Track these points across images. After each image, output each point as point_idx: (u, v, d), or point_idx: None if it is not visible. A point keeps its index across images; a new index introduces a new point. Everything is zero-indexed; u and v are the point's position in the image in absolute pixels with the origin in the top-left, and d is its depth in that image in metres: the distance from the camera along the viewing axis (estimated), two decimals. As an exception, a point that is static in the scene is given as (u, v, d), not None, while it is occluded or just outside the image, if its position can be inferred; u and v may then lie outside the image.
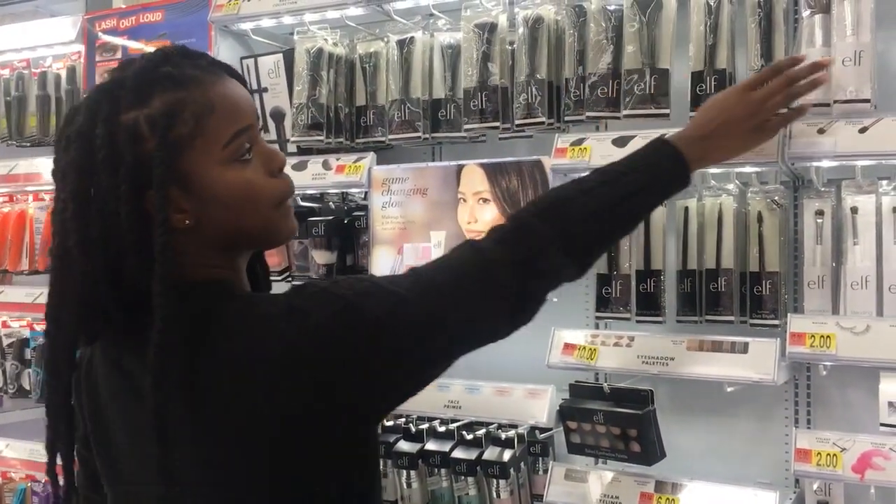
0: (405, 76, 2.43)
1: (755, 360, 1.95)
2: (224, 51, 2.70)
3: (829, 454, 1.88)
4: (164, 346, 1.08)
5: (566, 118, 2.21)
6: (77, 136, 1.13)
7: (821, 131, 1.87)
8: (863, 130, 1.84)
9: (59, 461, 1.23)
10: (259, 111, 1.27)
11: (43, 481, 3.05)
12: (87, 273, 1.12)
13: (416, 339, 1.15)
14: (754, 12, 2.04)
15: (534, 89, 2.22)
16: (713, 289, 2.10)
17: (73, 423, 1.23)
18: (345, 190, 2.59)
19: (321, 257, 2.56)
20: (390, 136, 2.45)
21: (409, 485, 2.37)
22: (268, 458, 1.10)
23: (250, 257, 1.31)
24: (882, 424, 1.92)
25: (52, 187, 3.19)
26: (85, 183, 1.12)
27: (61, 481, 1.27)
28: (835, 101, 1.88)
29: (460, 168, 2.31)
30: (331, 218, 2.57)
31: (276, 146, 1.26)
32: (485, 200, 2.27)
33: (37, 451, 2.98)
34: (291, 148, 2.56)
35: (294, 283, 1.19)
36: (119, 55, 2.95)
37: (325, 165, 2.45)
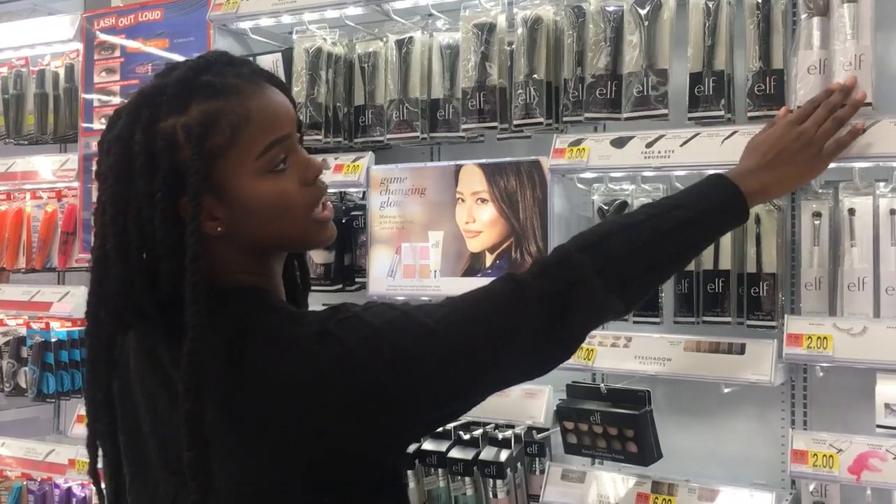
0: (404, 76, 2.44)
1: (752, 361, 1.95)
2: (223, 50, 2.70)
3: (825, 455, 1.89)
4: (195, 354, 1.09)
5: (564, 119, 2.21)
6: (116, 141, 1.14)
7: (819, 133, 1.87)
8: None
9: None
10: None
11: (38, 480, 3.04)
12: (124, 275, 1.14)
13: (443, 371, 1.13)
14: (753, 14, 2.05)
15: (532, 90, 2.22)
16: (711, 290, 2.10)
17: (114, 421, 1.23)
18: (343, 189, 2.59)
19: (319, 257, 2.56)
20: (388, 136, 2.45)
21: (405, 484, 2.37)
22: (298, 473, 1.11)
23: (289, 259, 1.33)
24: (878, 426, 1.92)
25: (49, 185, 3.19)
26: (123, 188, 1.13)
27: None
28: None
29: (459, 168, 2.31)
30: (329, 217, 2.57)
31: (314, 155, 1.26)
32: (483, 200, 2.27)
33: (33, 449, 2.97)
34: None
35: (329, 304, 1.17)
36: (117, 53, 2.95)
37: (324, 165, 2.45)
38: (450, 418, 1.20)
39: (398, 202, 2.39)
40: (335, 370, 1.08)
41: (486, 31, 2.29)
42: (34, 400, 3.11)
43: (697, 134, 2.01)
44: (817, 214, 2.03)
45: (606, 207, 2.21)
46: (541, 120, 2.22)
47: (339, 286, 2.57)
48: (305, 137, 2.47)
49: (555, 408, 2.19)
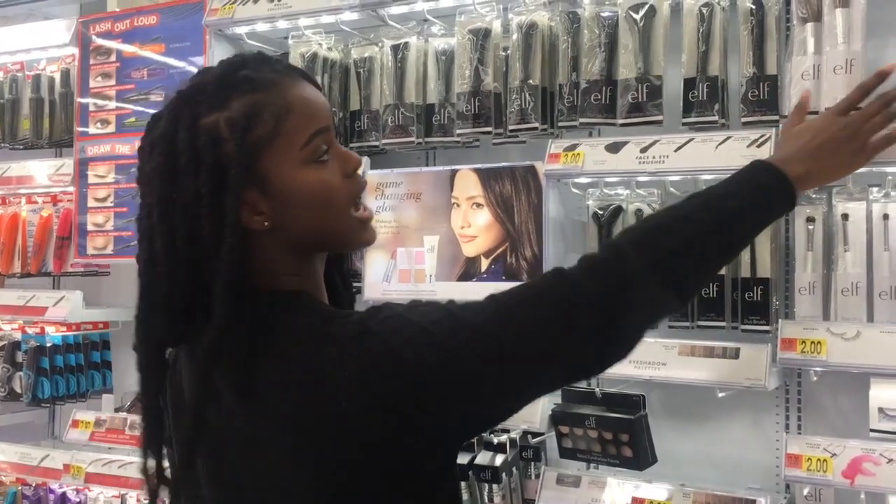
0: (399, 81, 2.44)
1: (746, 366, 1.96)
2: (218, 55, 2.70)
3: (819, 459, 1.89)
4: (215, 348, 1.09)
5: (559, 124, 2.22)
6: (161, 141, 1.13)
7: (812, 138, 1.88)
8: (854, 138, 1.85)
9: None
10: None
11: (33, 485, 3.04)
12: (173, 277, 1.12)
13: (490, 372, 1.09)
14: (747, 20, 2.06)
15: (527, 95, 2.23)
16: (705, 294, 2.10)
17: (163, 430, 1.21)
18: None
19: (314, 261, 2.56)
20: (384, 141, 2.46)
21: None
22: (327, 478, 1.08)
23: (331, 266, 1.31)
24: (872, 430, 1.93)
25: (44, 190, 3.18)
26: (169, 188, 1.12)
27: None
28: (826, 109, 1.89)
29: (454, 173, 2.32)
30: (324, 222, 2.58)
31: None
32: (478, 205, 2.28)
33: (27, 454, 2.97)
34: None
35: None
36: (113, 58, 2.95)
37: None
38: (499, 419, 1.15)
39: (394, 207, 2.39)
40: (376, 370, 1.05)
41: (482, 36, 2.30)
42: (29, 405, 3.11)
43: (692, 139, 2.02)
44: (811, 219, 2.04)
45: (601, 212, 2.22)
46: (536, 125, 2.23)
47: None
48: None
49: (550, 412, 2.19)
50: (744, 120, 2.04)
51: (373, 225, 1.25)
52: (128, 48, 2.92)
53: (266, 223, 1.14)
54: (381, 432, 1.05)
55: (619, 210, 2.20)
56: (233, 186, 1.09)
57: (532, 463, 2.33)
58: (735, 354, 1.98)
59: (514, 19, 2.28)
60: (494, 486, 2.26)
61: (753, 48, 2.05)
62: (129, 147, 2.89)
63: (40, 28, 3.21)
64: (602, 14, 2.17)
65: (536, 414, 2.17)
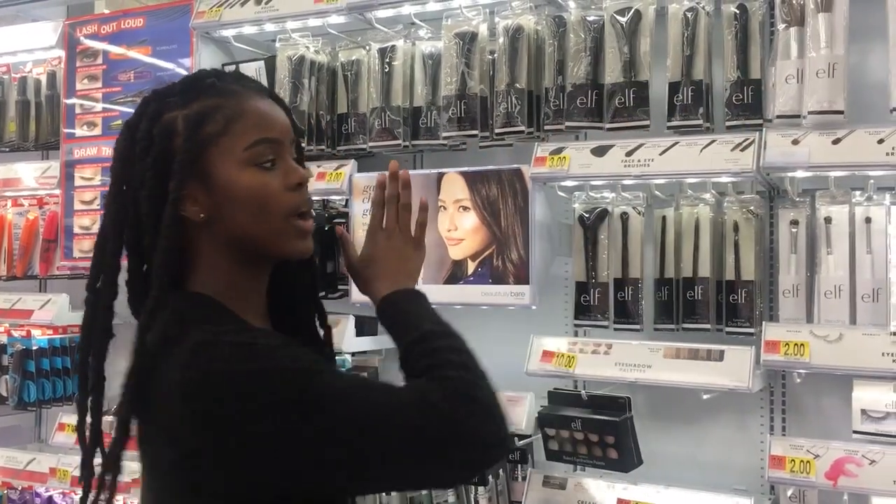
0: (386, 84, 2.45)
1: (731, 368, 1.97)
2: (206, 57, 2.70)
3: (802, 461, 1.91)
4: (150, 321, 1.17)
5: (546, 127, 2.23)
6: (125, 128, 1.26)
7: (795, 142, 1.90)
8: (836, 142, 1.87)
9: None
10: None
11: (19, 489, 3.02)
12: (118, 251, 1.23)
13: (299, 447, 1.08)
14: (731, 24, 2.08)
15: (514, 98, 2.24)
16: (690, 297, 2.12)
17: (101, 397, 1.27)
18: (326, 197, 2.60)
19: (301, 264, 2.56)
20: (370, 144, 2.46)
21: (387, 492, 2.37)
22: (176, 481, 1.15)
23: (291, 278, 1.36)
24: (855, 432, 1.95)
25: (30, 193, 3.17)
26: (124, 170, 1.24)
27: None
28: (808, 113, 1.91)
29: (441, 176, 2.32)
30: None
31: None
32: (465, 208, 2.28)
33: (14, 458, 2.96)
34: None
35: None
36: (100, 60, 2.94)
37: (309, 174, 2.45)
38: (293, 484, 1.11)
39: (380, 210, 2.39)
40: (195, 382, 1.09)
41: (468, 39, 2.30)
42: (15, 408, 3.09)
43: (676, 143, 2.03)
44: (795, 222, 2.05)
45: (587, 215, 2.23)
46: (522, 128, 2.24)
47: (322, 294, 2.56)
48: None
49: (536, 414, 2.20)
50: (728, 124, 2.06)
51: (310, 242, 1.28)
52: (115, 50, 2.91)
53: (202, 215, 1.21)
54: (190, 443, 1.10)
55: (604, 213, 2.21)
56: (177, 174, 1.18)
57: (518, 465, 2.34)
58: (719, 357, 1.99)
59: (501, 23, 2.28)
60: (481, 489, 2.27)
61: (737, 52, 2.06)
62: (115, 150, 2.89)
63: (27, 30, 3.20)
64: (588, 18, 2.18)
65: (523, 416, 2.18)
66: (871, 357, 1.85)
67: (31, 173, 3.09)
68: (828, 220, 2.01)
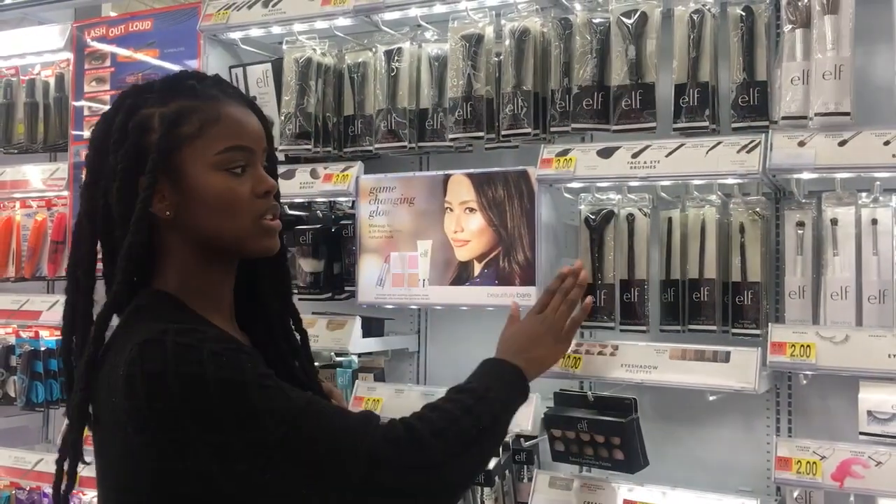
0: (392, 86, 2.45)
1: (737, 369, 1.97)
2: (213, 60, 2.72)
3: (808, 462, 1.91)
4: (109, 310, 1.23)
5: (552, 129, 2.23)
6: (102, 120, 1.29)
7: (801, 144, 1.91)
8: (842, 143, 1.88)
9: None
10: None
11: (27, 489, 3.04)
12: (91, 238, 1.28)
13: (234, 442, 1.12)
14: (737, 26, 2.08)
15: (520, 100, 2.24)
16: (696, 298, 2.12)
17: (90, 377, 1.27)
18: (332, 199, 2.61)
19: (308, 265, 2.57)
20: (376, 146, 2.47)
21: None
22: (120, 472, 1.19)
23: (259, 278, 1.39)
24: (861, 433, 1.94)
25: (38, 194, 3.19)
26: (98, 160, 1.27)
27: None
28: (815, 114, 1.91)
29: (447, 178, 2.33)
30: (318, 226, 2.59)
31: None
32: (471, 210, 2.29)
33: (22, 458, 2.97)
34: (279, 157, 2.58)
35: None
36: (108, 63, 2.96)
37: (313, 174, 2.47)
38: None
39: (387, 211, 2.40)
40: (140, 378, 1.11)
41: (474, 42, 2.31)
42: (23, 409, 3.11)
43: (682, 145, 2.03)
44: (801, 224, 2.05)
45: (593, 217, 2.23)
46: (528, 130, 2.24)
47: (329, 295, 2.58)
48: (294, 147, 2.50)
49: (542, 415, 2.20)
50: (734, 125, 2.06)
51: (275, 240, 1.32)
52: (122, 53, 2.93)
53: (168, 212, 1.24)
54: (131, 437, 1.13)
55: (610, 215, 2.22)
56: (150, 169, 1.22)
57: (524, 466, 2.34)
58: (726, 358, 1.99)
59: (507, 25, 2.29)
60: (487, 490, 2.27)
61: (743, 54, 2.07)
62: (123, 151, 2.90)
63: (35, 33, 3.21)
64: (594, 20, 2.19)
65: (529, 417, 2.18)
66: (878, 358, 1.84)
67: (40, 175, 3.11)
68: (834, 221, 2.01)
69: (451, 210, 2.32)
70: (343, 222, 2.59)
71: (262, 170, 1.31)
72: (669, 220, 2.19)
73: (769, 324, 2.00)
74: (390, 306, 2.47)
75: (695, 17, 2.10)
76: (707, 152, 1.99)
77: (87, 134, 2.97)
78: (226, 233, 1.26)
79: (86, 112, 3.00)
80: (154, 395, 1.10)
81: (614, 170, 2.08)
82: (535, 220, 2.20)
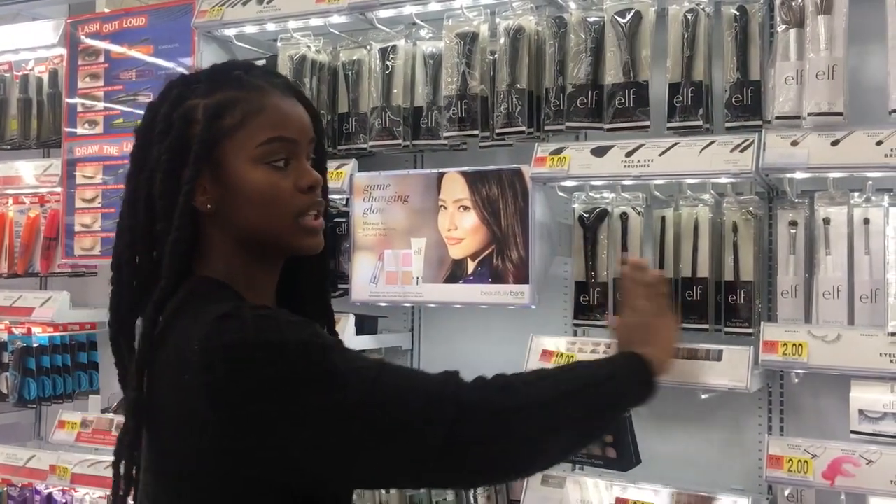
0: (387, 84, 2.45)
1: (729, 368, 1.97)
2: (207, 57, 2.71)
3: (800, 461, 1.92)
4: (161, 303, 1.18)
5: (546, 127, 2.24)
6: (148, 110, 1.26)
7: (794, 143, 1.91)
8: (835, 143, 1.88)
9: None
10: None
11: (19, 486, 3.03)
12: (132, 228, 1.24)
13: (314, 411, 1.07)
14: (731, 26, 2.08)
15: (514, 98, 2.24)
16: (689, 297, 2.13)
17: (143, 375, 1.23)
18: (326, 196, 2.60)
19: (302, 263, 2.57)
20: (371, 143, 2.47)
21: (387, 490, 2.38)
22: (183, 458, 1.14)
23: (300, 275, 1.34)
24: (853, 432, 1.95)
25: (31, 190, 3.18)
26: (141, 151, 1.24)
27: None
28: (808, 114, 1.92)
29: (441, 175, 2.33)
30: (312, 224, 2.58)
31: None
32: (465, 208, 2.29)
33: (14, 455, 2.96)
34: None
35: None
36: (102, 59, 2.95)
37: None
38: (305, 476, 1.10)
39: (381, 209, 2.40)
40: (217, 353, 1.07)
41: (469, 40, 2.31)
42: (15, 405, 3.11)
43: (676, 143, 2.04)
44: (793, 223, 2.06)
45: (587, 215, 2.24)
46: (523, 128, 2.25)
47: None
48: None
49: (535, 413, 2.20)
50: (727, 125, 2.07)
51: (319, 239, 1.26)
52: (116, 49, 2.92)
53: (209, 205, 1.21)
54: (205, 415, 1.07)
55: (604, 213, 2.22)
56: (193, 160, 1.18)
57: (517, 464, 2.34)
58: (718, 357, 2.00)
59: (502, 23, 2.29)
60: (479, 487, 2.27)
61: (737, 54, 2.07)
62: (116, 148, 2.90)
63: (29, 28, 3.21)
64: (588, 19, 2.19)
65: (522, 415, 2.18)
66: (869, 357, 1.85)
67: (33, 171, 3.10)
68: (826, 221, 2.02)
69: (445, 208, 2.32)
70: (337, 220, 2.59)
71: (307, 163, 1.26)
72: (663, 218, 2.20)
73: (761, 323, 2.01)
74: (384, 304, 2.47)
75: (689, 16, 2.11)
76: (700, 151, 2.00)
77: (80, 130, 2.97)
78: (265, 229, 1.22)
79: (79, 108, 2.99)
80: (235, 367, 1.06)
81: (608, 168, 2.08)
82: (528, 219, 2.20)
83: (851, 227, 2.00)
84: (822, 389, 2.15)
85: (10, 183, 3.14)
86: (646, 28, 2.13)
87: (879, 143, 1.85)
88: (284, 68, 2.51)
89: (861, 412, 1.95)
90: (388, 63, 2.46)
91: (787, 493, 2.10)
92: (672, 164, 2.02)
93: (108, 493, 2.79)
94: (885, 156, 1.84)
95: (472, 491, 2.30)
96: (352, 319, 2.42)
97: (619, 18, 2.14)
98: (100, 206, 2.94)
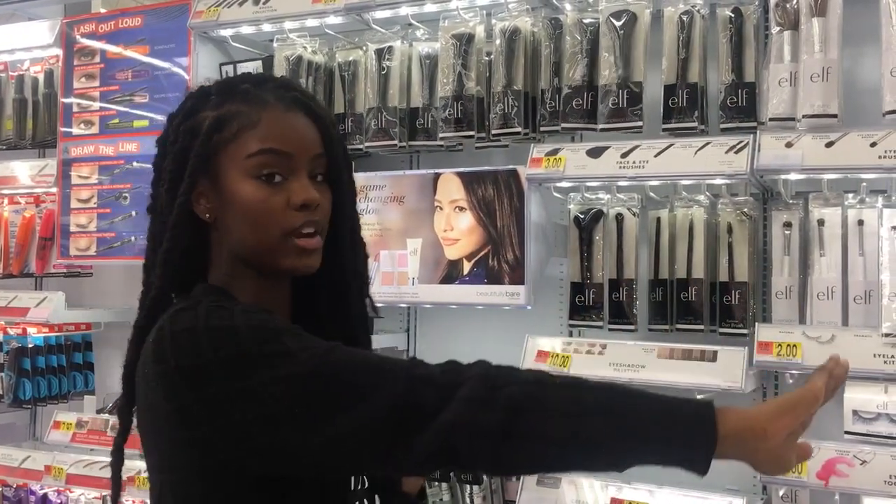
0: (383, 85, 2.46)
1: (724, 369, 1.98)
2: (203, 57, 2.71)
3: (794, 461, 1.92)
4: (156, 301, 1.21)
5: (542, 128, 2.24)
6: (167, 120, 1.29)
7: (788, 145, 1.92)
8: (829, 145, 1.89)
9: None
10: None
11: (14, 486, 3.03)
12: (153, 234, 1.28)
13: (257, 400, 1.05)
14: (726, 28, 2.09)
15: (510, 99, 2.25)
16: (684, 298, 2.13)
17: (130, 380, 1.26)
18: (322, 197, 2.60)
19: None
20: (367, 144, 2.47)
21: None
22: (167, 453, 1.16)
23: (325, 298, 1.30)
24: (846, 432, 1.96)
25: (27, 191, 3.18)
26: (159, 160, 1.28)
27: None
28: (802, 116, 1.93)
29: (437, 176, 2.34)
30: (308, 224, 2.59)
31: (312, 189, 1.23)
32: (461, 209, 2.29)
33: (8, 455, 2.95)
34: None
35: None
36: (97, 59, 2.95)
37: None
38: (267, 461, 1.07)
39: (377, 209, 2.41)
40: (170, 342, 1.10)
41: (465, 41, 2.32)
42: (10, 406, 3.10)
43: (671, 145, 2.04)
44: (788, 224, 2.07)
45: (582, 216, 2.24)
46: (518, 129, 2.25)
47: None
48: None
49: (531, 414, 2.21)
50: (722, 126, 2.08)
51: (311, 259, 1.22)
52: (112, 49, 2.92)
53: (208, 214, 1.23)
54: (165, 406, 1.10)
55: (599, 214, 2.23)
56: (189, 170, 1.21)
57: (513, 464, 2.34)
58: (713, 357, 2.00)
59: (498, 25, 2.30)
60: (475, 488, 2.28)
61: (732, 56, 2.08)
62: (112, 148, 2.90)
63: (24, 28, 3.20)
64: (584, 21, 2.20)
65: (517, 416, 2.19)
66: (863, 358, 1.86)
67: (28, 171, 3.10)
68: (821, 222, 2.03)
69: (441, 209, 2.32)
70: (333, 220, 2.59)
71: (306, 180, 1.21)
72: (658, 219, 2.20)
73: (756, 323, 2.01)
74: (380, 304, 2.46)
75: (684, 18, 2.11)
76: (695, 153, 2.01)
77: (75, 131, 2.97)
78: (255, 245, 1.20)
79: (75, 108, 2.99)
80: (183, 353, 1.07)
81: (603, 169, 2.09)
82: (524, 219, 2.21)
83: (846, 228, 2.01)
84: (816, 390, 2.15)
85: (6, 183, 3.14)
86: (641, 30, 2.14)
87: (873, 144, 1.86)
88: (280, 69, 2.51)
89: (855, 412, 1.96)
90: (385, 64, 2.46)
91: (781, 493, 2.10)
92: (667, 166, 2.03)
93: (104, 493, 2.81)
94: (880, 157, 1.85)
95: (468, 490, 2.30)
96: (348, 320, 2.41)
97: (614, 20, 2.15)
98: (95, 206, 2.93)
